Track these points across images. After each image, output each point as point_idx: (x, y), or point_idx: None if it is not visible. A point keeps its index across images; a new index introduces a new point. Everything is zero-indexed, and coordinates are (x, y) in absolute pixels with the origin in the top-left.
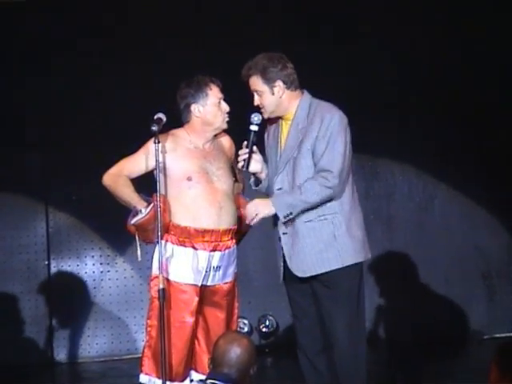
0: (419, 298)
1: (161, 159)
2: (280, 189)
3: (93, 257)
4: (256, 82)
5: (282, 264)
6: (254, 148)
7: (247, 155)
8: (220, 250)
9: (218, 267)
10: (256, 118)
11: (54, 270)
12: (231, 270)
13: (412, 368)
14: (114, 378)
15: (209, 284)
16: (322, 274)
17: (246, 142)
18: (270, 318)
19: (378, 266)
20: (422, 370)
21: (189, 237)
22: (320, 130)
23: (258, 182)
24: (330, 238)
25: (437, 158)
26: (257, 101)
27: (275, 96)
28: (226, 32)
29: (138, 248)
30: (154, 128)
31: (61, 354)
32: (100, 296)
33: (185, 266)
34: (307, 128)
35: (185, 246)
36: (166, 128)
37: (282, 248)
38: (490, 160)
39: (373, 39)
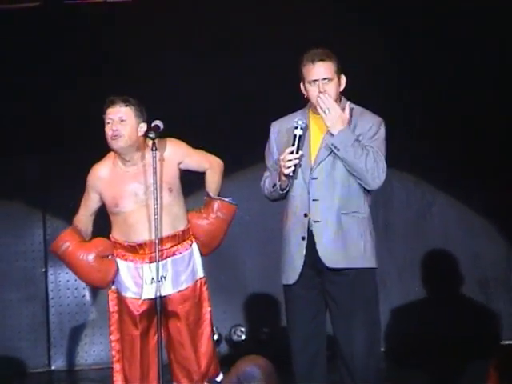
0: (417, 306)
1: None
2: (315, 178)
3: None
4: (331, 69)
5: (302, 264)
6: (300, 153)
7: (297, 161)
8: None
9: (163, 277)
10: (300, 121)
11: (51, 277)
12: (184, 277)
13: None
14: None
15: (162, 295)
16: (347, 269)
17: (292, 148)
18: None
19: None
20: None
21: (126, 251)
22: (369, 132)
23: (286, 185)
24: (358, 237)
25: (435, 165)
26: (323, 87)
27: (339, 88)
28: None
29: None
30: (152, 135)
31: (58, 362)
32: (97, 303)
33: (126, 280)
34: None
35: (125, 260)
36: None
37: (306, 247)
38: (489, 167)
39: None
